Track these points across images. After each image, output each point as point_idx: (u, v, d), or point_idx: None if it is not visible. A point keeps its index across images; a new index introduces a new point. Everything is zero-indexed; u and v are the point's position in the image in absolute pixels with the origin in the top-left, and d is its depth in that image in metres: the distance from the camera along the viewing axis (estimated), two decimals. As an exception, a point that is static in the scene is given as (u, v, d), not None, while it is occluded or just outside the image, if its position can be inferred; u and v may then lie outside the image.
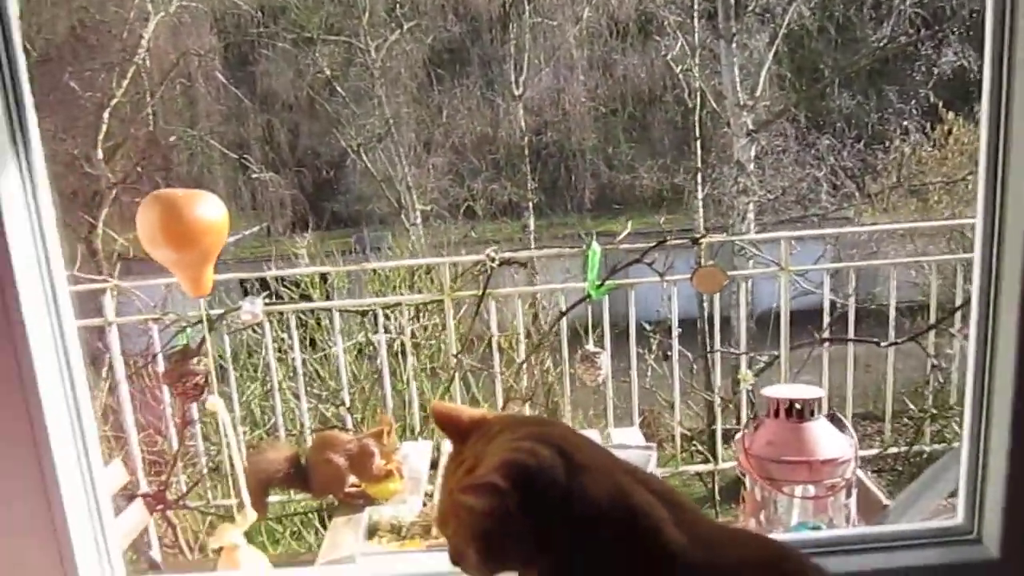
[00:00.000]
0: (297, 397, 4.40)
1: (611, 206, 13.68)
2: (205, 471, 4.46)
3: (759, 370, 4.35)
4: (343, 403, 4.32)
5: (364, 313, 4.47)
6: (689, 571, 0.78)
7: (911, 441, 4.30)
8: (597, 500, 0.80)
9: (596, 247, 3.92)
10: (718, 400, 4.18)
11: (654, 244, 3.96)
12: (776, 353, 4.13)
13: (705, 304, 6.73)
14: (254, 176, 14.83)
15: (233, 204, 16.37)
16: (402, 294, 5.43)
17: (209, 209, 1.86)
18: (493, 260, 4.12)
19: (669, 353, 4.08)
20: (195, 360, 3.94)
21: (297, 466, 2.63)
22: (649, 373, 4.64)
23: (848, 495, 1.88)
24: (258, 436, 5.03)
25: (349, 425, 4.44)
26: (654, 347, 4.52)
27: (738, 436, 1.92)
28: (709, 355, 4.31)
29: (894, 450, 4.25)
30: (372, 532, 2.38)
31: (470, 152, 13.57)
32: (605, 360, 4.01)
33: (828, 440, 1.85)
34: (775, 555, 0.84)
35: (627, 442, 2.77)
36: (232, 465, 2.05)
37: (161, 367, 4.15)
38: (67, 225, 11.98)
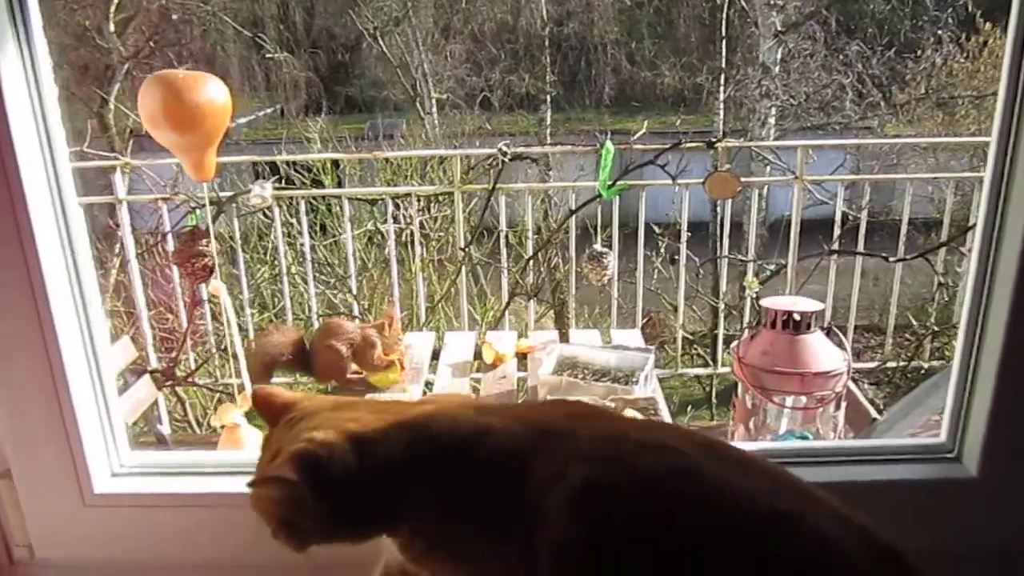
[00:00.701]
0: (305, 282, 4.44)
1: (630, 103, 13.43)
2: (213, 350, 4.55)
3: (765, 278, 4.35)
4: (350, 290, 4.36)
5: (374, 202, 4.46)
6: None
7: (911, 356, 4.33)
8: (394, 457, 0.82)
9: (610, 146, 3.88)
10: (721, 306, 4.19)
11: (668, 146, 3.91)
12: (783, 262, 4.13)
13: (718, 208, 6.69)
14: (268, 56, 14.56)
15: (246, 84, 16.16)
16: (413, 184, 5.39)
17: (211, 92, 1.83)
18: (504, 154, 4.08)
19: (676, 256, 4.08)
20: (204, 241, 3.97)
21: (301, 350, 2.68)
22: (656, 275, 4.64)
23: (837, 408, 1.91)
24: (267, 319, 5.10)
25: (356, 312, 4.50)
26: (662, 249, 4.50)
27: (734, 344, 1.94)
28: (716, 260, 4.29)
29: (893, 364, 4.28)
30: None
31: (489, 40, 13.25)
32: (612, 260, 4.02)
33: (822, 353, 1.86)
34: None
35: (627, 343, 2.80)
36: (233, 347, 2.08)
37: (171, 246, 4.18)
38: (78, 99, 11.90)
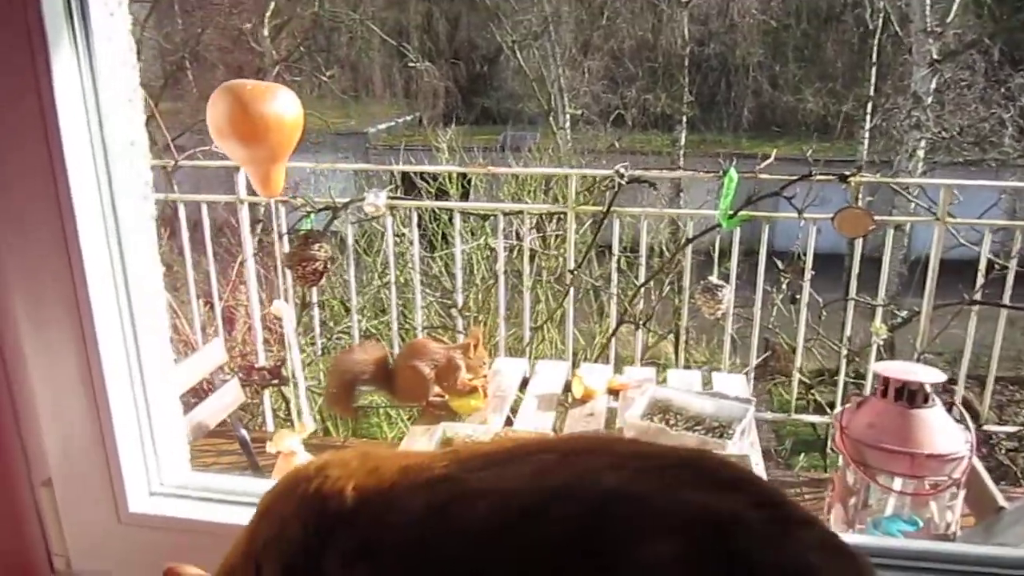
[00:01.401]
0: (413, 292, 4.42)
1: (770, 128, 13.01)
2: (319, 352, 4.59)
3: (896, 324, 4.01)
4: (455, 304, 4.30)
5: (486, 217, 4.38)
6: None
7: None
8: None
9: (733, 174, 3.67)
10: (844, 351, 3.89)
11: (796, 178, 3.66)
12: (917, 309, 3.79)
13: (856, 242, 6.29)
14: (410, 65, 14.92)
15: (387, 91, 16.61)
16: (527, 202, 5.30)
17: (280, 105, 1.77)
18: (622, 176, 3.93)
19: (798, 296, 3.81)
20: (316, 246, 3.99)
21: (384, 369, 2.61)
22: (775, 313, 4.37)
23: (954, 496, 1.66)
24: (373, 327, 5.12)
25: (460, 327, 4.44)
26: (784, 286, 4.23)
27: (836, 411, 1.72)
28: (843, 301, 4.00)
29: (1038, 428, 3.87)
30: (443, 447, 2.34)
31: (627, 58, 13.11)
32: (728, 294, 3.80)
33: (940, 432, 1.62)
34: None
35: (728, 391, 2.59)
36: (293, 369, 2.03)
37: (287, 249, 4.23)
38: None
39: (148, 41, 12.28)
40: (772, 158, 3.94)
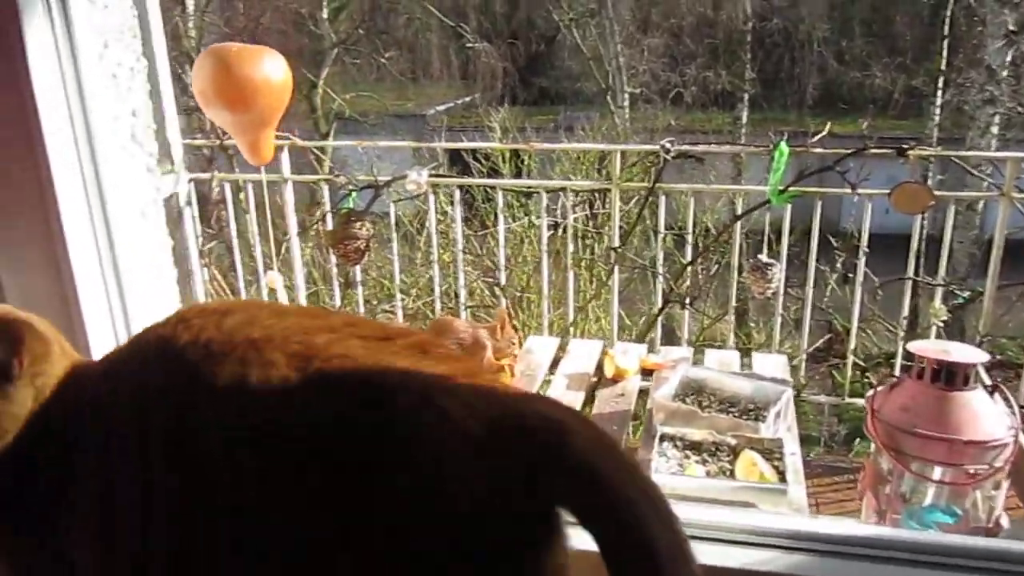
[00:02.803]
0: (456, 271, 4.36)
1: (836, 105, 12.61)
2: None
3: (956, 305, 3.81)
4: (498, 283, 4.23)
5: (529, 195, 4.30)
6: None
7: None
8: None
9: (784, 147, 3.52)
10: (901, 334, 3.71)
11: (850, 152, 3.49)
12: (980, 289, 3.59)
13: (923, 220, 6.01)
14: (468, 46, 14.85)
15: (445, 72, 16.58)
16: (570, 178, 5.20)
17: (266, 67, 1.69)
18: (668, 151, 3.80)
19: (851, 275, 3.64)
20: (358, 224, 3.97)
21: (409, 346, 2.55)
22: (829, 292, 4.19)
23: (997, 486, 1.52)
24: (418, 306, 5.08)
25: (504, 304, 4.38)
26: (839, 265, 4.04)
27: (869, 393, 1.59)
28: (901, 281, 3.81)
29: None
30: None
31: (687, 35, 12.82)
32: (778, 273, 3.66)
33: (981, 417, 1.49)
34: None
35: (765, 372, 2.47)
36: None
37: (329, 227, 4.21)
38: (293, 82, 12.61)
39: (210, 26, 12.47)
40: (826, 131, 3.77)
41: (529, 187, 4.40)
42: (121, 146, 1.43)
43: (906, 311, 3.73)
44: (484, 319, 4.86)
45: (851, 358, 3.90)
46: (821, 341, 4.45)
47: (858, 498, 1.64)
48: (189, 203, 4.19)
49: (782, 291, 3.78)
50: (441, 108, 15.71)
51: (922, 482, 1.53)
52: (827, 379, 4.66)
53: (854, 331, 3.86)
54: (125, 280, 1.31)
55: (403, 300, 4.71)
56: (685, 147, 3.89)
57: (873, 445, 1.60)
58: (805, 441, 4.34)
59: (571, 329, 4.23)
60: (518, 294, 4.86)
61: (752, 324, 6.90)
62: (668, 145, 3.81)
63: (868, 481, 1.61)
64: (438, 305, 4.39)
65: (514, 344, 2.55)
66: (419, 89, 15.69)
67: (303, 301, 4.38)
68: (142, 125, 1.58)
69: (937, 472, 1.51)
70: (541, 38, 15.60)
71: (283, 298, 1.69)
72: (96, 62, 1.23)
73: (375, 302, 5.03)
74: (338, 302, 4.46)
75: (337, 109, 11.93)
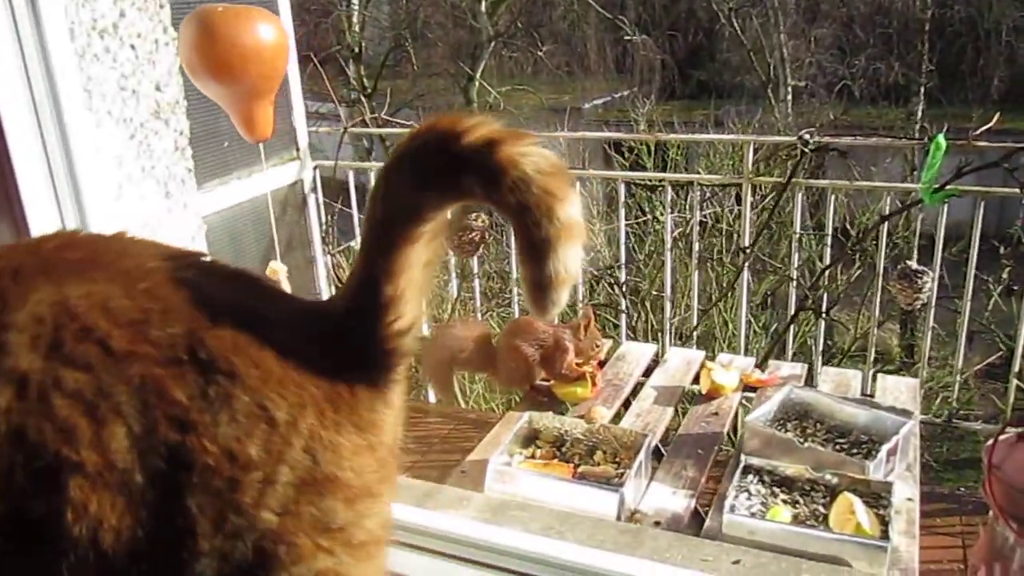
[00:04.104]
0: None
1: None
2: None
3: None
4: (616, 282, 3.98)
5: (653, 188, 4.02)
6: None
7: None
8: None
9: (941, 140, 3.12)
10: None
11: (1021, 146, 3.02)
12: None
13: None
14: (627, 38, 14.59)
15: (602, 66, 16.37)
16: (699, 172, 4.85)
17: (257, 31, 1.44)
18: (806, 143, 3.45)
19: (1016, 287, 3.15)
20: (473, 215, 3.84)
21: (486, 348, 2.36)
22: (991, 306, 3.66)
23: None
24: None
25: (623, 306, 4.12)
26: (1004, 275, 3.50)
27: (988, 443, 1.25)
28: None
29: None
30: (530, 440, 2.06)
31: (858, 24, 12.04)
32: (930, 282, 3.24)
33: None
34: None
35: (885, 400, 2.11)
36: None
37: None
38: (448, 75, 12.81)
39: (370, 20, 12.79)
40: (993, 121, 3.30)
41: (653, 179, 4.11)
42: (141, 123, 1.35)
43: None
44: (606, 318, 4.63)
45: (1014, 382, 3.40)
46: (991, 359, 3.94)
47: (969, 572, 1.31)
48: (314, 189, 4.21)
49: (934, 302, 3.34)
50: (599, 102, 15.49)
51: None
52: (989, 405, 4.12)
53: (1019, 350, 3.36)
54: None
55: (520, 296, 4.53)
56: (826, 139, 3.52)
57: (991, 511, 1.27)
58: (952, 468, 3.84)
59: (693, 335, 3.93)
60: (641, 293, 4.58)
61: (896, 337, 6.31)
62: (807, 136, 3.45)
63: (982, 553, 1.28)
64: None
65: (599, 347, 2.31)
66: (576, 83, 15.57)
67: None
68: (169, 101, 1.47)
69: (1077, 552, 1.17)
70: (701, 29, 15.13)
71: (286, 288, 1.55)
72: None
73: (490, 295, 4.89)
74: (454, 293, 4.35)
75: (493, 102, 11.97)
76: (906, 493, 1.73)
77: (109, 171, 1.37)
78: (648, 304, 4.43)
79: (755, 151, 3.92)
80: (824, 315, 3.71)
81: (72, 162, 1.23)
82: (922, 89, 10.94)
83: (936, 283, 3.30)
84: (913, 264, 3.29)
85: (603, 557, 0.89)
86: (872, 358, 3.50)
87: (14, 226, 1.13)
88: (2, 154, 1.09)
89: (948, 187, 3.15)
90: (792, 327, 3.79)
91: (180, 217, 1.55)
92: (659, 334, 3.90)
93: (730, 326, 4.34)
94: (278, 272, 1.49)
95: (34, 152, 1.14)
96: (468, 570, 0.93)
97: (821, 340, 3.70)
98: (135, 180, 1.43)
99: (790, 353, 3.72)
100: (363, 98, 11.11)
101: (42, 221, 1.13)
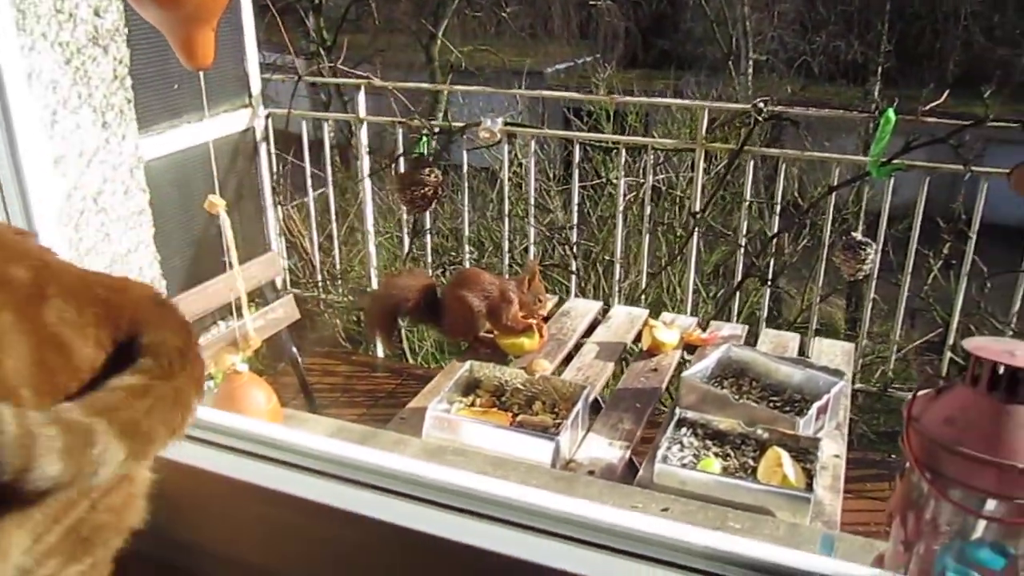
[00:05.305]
0: (527, 226, 4.15)
1: (978, 85, 11.68)
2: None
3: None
4: (567, 241, 3.99)
5: (608, 150, 4.02)
6: None
7: None
8: None
9: (891, 115, 3.17)
10: (1008, 333, 3.29)
11: (968, 123, 3.08)
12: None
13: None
14: (591, 3, 14.50)
15: (566, 31, 16.25)
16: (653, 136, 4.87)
17: None
18: (759, 111, 3.47)
19: (954, 262, 3.23)
20: (426, 170, 3.81)
21: (431, 298, 2.36)
22: (931, 281, 3.75)
23: (1061, 528, 1.20)
24: (487, 259, 4.90)
25: (574, 267, 4.15)
26: (944, 250, 3.58)
27: (908, 398, 1.29)
28: (1015, 274, 3.37)
29: None
30: (470, 388, 2.07)
31: (820, 2, 12.11)
32: (872, 254, 3.30)
33: (1048, 440, 1.17)
34: None
35: (822, 360, 2.16)
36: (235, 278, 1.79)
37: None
38: (411, 33, 12.59)
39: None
40: (942, 99, 3.36)
41: (608, 142, 4.11)
42: (78, 48, 1.32)
43: (1017, 307, 3.29)
44: (557, 279, 4.64)
45: (948, 354, 3.50)
46: (933, 334, 4.04)
47: (884, 522, 1.35)
48: (266, 138, 4.14)
49: (875, 275, 3.42)
50: (561, 67, 15.39)
51: (962, 514, 1.23)
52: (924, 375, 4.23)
53: (954, 324, 3.45)
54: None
55: (471, 253, 4.52)
56: (779, 108, 3.55)
57: (907, 461, 1.31)
58: (886, 439, 3.95)
59: (641, 298, 3.97)
60: (591, 255, 4.60)
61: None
62: (761, 105, 3.48)
63: (897, 502, 1.31)
64: (505, 260, 4.20)
65: (542, 301, 2.32)
66: (539, 46, 15.43)
67: (372, 246, 4.28)
68: (108, 28, 1.44)
69: (992, 505, 1.20)
70: (667, -2, 15.08)
71: (227, 226, 1.51)
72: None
73: (441, 252, 4.87)
74: (406, 249, 4.33)
75: (454, 61, 11.83)
76: (833, 450, 1.78)
77: (43, 96, 1.33)
78: (599, 267, 4.46)
79: (711, 119, 3.96)
80: (770, 283, 3.77)
81: (2, 84, 1.19)
82: (879, 69, 11.05)
83: (879, 255, 3.36)
84: (858, 236, 3.34)
85: (538, 495, 0.90)
86: (814, 328, 3.56)
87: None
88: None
89: (895, 160, 3.20)
90: (738, 295, 3.85)
91: (117, 148, 1.51)
92: (608, 298, 3.94)
93: (678, 291, 4.39)
94: (217, 206, 1.47)
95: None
96: (405, 504, 0.94)
97: (766, 309, 3.76)
98: (71, 107, 1.39)
99: (735, 320, 3.78)
100: (321, 51, 10.91)
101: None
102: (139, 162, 1.54)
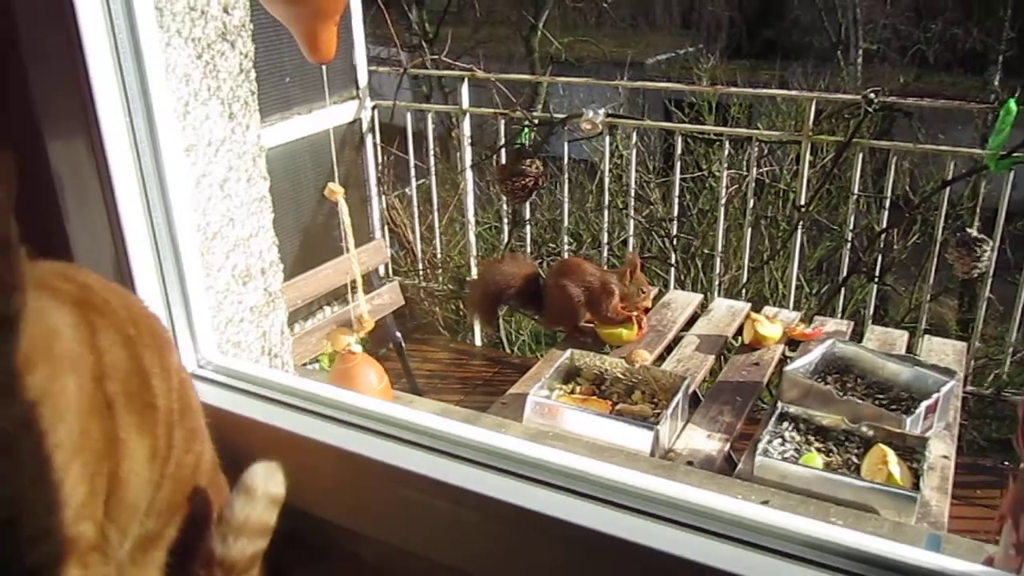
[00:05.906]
0: (627, 217, 4.14)
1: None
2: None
3: None
4: (667, 234, 3.97)
5: (711, 143, 3.97)
6: None
7: None
8: None
9: (1012, 106, 3.04)
10: None
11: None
12: None
13: None
14: (698, -8, 14.30)
15: (668, 21, 16.04)
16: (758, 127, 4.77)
17: None
18: (871, 102, 3.38)
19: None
20: (528, 162, 3.84)
21: (533, 285, 2.39)
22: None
23: None
24: (585, 250, 4.91)
25: (673, 260, 4.12)
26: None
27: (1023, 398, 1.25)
28: None
29: None
30: (570, 376, 2.09)
31: (939, -15, 11.62)
32: (989, 252, 3.18)
33: None
34: None
35: (932, 359, 2.10)
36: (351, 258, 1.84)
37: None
38: (512, 24, 12.68)
39: (435, -35, 12.70)
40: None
41: (711, 134, 4.06)
42: (208, 43, 1.39)
43: None
44: (656, 271, 4.62)
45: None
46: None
47: (995, 528, 1.32)
48: (372, 129, 4.25)
49: (991, 273, 3.28)
50: (662, 58, 15.21)
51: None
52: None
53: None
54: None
55: (570, 244, 4.54)
56: (891, 99, 3.44)
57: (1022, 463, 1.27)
58: (998, 446, 3.79)
59: (742, 293, 3.91)
60: (693, 249, 4.56)
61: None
62: (871, 95, 3.38)
63: (1010, 504, 1.28)
64: (604, 252, 4.20)
65: (644, 293, 2.32)
66: (640, 37, 15.30)
67: (472, 236, 4.35)
68: (235, 23, 1.51)
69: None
70: (773, -15, 14.72)
71: (344, 213, 1.56)
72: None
73: (540, 243, 4.91)
74: (505, 240, 4.38)
75: (554, 53, 11.84)
76: (942, 451, 1.73)
77: (177, 89, 1.41)
78: (699, 261, 4.41)
79: (818, 110, 3.87)
80: (877, 280, 3.66)
81: (145, 77, 1.27)
82: (1000, 57, 10.55)
83: (995, 253, 3.23)
84: (973, 232, 3.22)
85: (640, 478, 0.91)
86: (923, 328, 3.45)
87: (88, 139, 1.17)
88: (81, 72, 1.13)
89: (1015, 154, 3.07)
90: (843, 291, 3.76)
91: (242, 138, 1.59)
92: (707, 292, 3.90)
93: (780, 286, 4.31)
94: (336, 192, 1.53)
95: (108, 66, 1.18)
96: (508, 480, 0.96)
97: (872, 306, 3.66)
98: (201, 99, 1.48)
99: (839, 317, 3.68)
100: (424, 43, 11.08)
101: (115, 134, 1.17)
102: (261, 151, 1.62)
